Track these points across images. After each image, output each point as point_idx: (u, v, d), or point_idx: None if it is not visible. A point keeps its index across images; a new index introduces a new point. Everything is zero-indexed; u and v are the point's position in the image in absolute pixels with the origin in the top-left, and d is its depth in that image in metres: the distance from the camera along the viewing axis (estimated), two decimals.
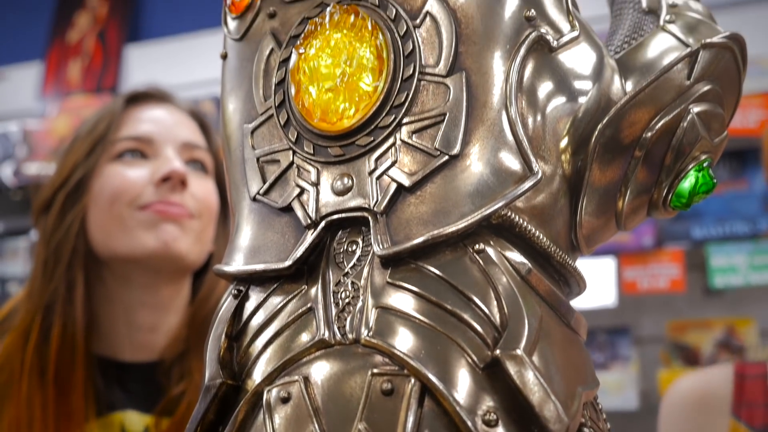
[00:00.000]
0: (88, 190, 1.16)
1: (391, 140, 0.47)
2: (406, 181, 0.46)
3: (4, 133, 3.23)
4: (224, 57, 0.57)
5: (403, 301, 0.44)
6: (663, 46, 0.54)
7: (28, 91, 3.47)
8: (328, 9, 0.51)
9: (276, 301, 0.48)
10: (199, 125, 1.26)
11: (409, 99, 0.48)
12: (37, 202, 1.20)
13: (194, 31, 3.19)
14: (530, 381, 0.42)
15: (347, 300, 0.46)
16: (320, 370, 0.44)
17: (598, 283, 2.40)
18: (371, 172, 0.47)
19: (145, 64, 3.31)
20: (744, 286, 2.30)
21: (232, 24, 0.56)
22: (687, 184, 0.52)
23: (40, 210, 1.19)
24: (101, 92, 3.29)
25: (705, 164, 0.53)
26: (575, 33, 0.51)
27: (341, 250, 0.48)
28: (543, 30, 0.50)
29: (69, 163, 1.17)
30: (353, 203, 0.47)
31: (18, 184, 3.14)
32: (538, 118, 0.49)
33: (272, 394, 0.45)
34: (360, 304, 0.45)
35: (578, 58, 0.51)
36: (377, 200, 0.47)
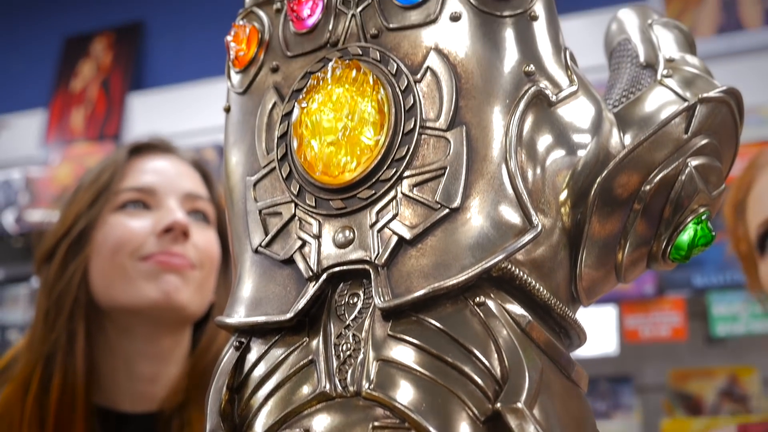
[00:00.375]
0: (91, 241, 1.16)
1: (392, 193, 0.48)
2: (407, 234, 0.47)
3: (6, 180, 3.25)
4: (227, 110, 0.57)
5: (404, 353, 0.44)
6: (661, 100, 0.55)
7: (31, 138, 3.49)
8: (330, 64, 0.51)
9: (277, 353, 0.48)
10: (202, 175, 1.27)
11: (410, 152, 0.48)
12: (39, 251, 1.20)
13: (196, 80, 3.22)
14: None
15: (348, 352, 0.46)
16: (321, 423, 0.44)
17: (600, 331, 2.39)
18: (372, 225, 0.48)
19: (147, 111, 3.34)
20: (746, 334, 2.29)
21: (235, 78, 0.57)
22: (686, 236, 0.53)
23: (42, 259, 1.20)
24: (104, 140, 3.31)
25: (703, 217, 0.53)
26: (574, 88, 0.52)
27: (342, 302, 0.48)
28: (542, 85, 0.51)
29: (72, 213, 1.18)
30: (354, 256, 0.48)
31: (19, 231, 3.15)
32: (538, 171, 0.49)
33: None
34: (361, 356, 0.45)
35: (577, 112, 0.52)
36: (378, 253, 0.47)
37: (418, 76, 0.50)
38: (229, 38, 0.58)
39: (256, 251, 0.51)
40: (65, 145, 3.38)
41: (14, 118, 3.54)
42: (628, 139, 0.53)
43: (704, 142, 0.53)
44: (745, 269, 1.40)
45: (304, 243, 0.49)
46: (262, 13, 0.58)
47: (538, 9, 0.52)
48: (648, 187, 0.51)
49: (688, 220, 0.53)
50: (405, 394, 0.43)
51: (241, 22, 0.58)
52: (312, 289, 0.48)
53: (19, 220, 3.15)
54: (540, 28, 0.53)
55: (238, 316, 0.50)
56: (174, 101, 3.23)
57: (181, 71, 3.38)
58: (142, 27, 3.61)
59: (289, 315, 0.48)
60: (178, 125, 3.03)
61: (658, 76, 0.56)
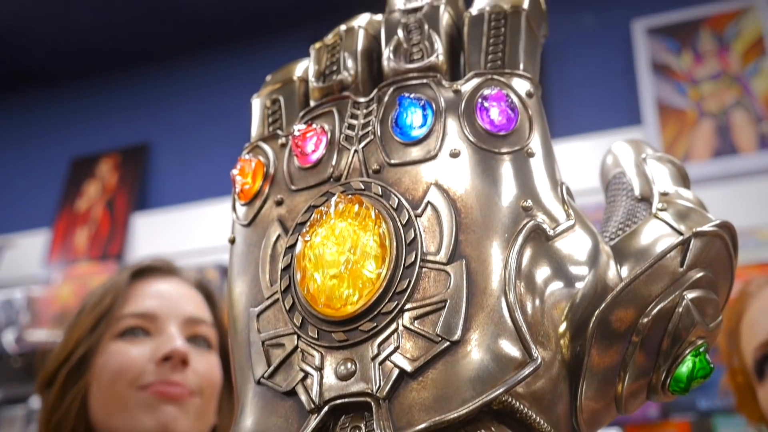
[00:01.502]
0: (91, 367, 1.16)
1: (393, 326, 0.48)
2: (408, 367, 0.47)
3: (8, 299, 3.25)
4: (232, 242, 0.58)
5: None
6: (656, 234, 0.56)
7: (35, 258, 3.51)
8: (333, 198, 0.53)
9: None
10: (205, 297, 1.27)
11: (411, 286, 0.49)
12: (41, 375, 1.20)
13: (199, 200, 3.26)
14: None
15: None
16: None
17: None
18: (374, 358, 0.48)
19: (151, 231, 3.37)
20: None
21: (240, 210, 0.58)
22: (685, 368, 0.53)
23: (43, 384, 1.19)
24: (106, 259, 3.33)
25: (701, 349, 0.53)
26: (571, 222, 0.53)
27: None
28: (540, 219, 0.52)
29: (73, 338, 1.18)
30: (356, 388, 0.48)
31: (19, 351, 3.13)
32: (537, 303, 0.50)
33: None
34: None
35: (574, 246, 0.53)
36: (380, 385, 0.47)
37: (419, 210, 0.51)
38: (234, 172, 0.59)
39: (258, 382, 0.51)
40: (68, 264, 3.40)
41: (18, 237, 3.56)
42: (624, 272, 0.54)
43: (700, 275, 0.54)
44: (740, 404, 1.38)
45: (306, 375, 0.49)
46: (267, 148, 0.59)
47: (535, 146, 0.54)
48: (646, 320, 0.52)
49: (687, 352, 0.53)
50: None
51: (246, 156, 0.59)
52: (314, 421, 0.48)
53: (19, 340, 3.13)
54: (537, 164, 0.54)
55: None
56: (177, 221, 3.26)
57: (184, 192, 3.42)
58: (148, 148, 3.68)
59: None
60: (180, 245, 3.06)
61: (653, 210, 0.57)
